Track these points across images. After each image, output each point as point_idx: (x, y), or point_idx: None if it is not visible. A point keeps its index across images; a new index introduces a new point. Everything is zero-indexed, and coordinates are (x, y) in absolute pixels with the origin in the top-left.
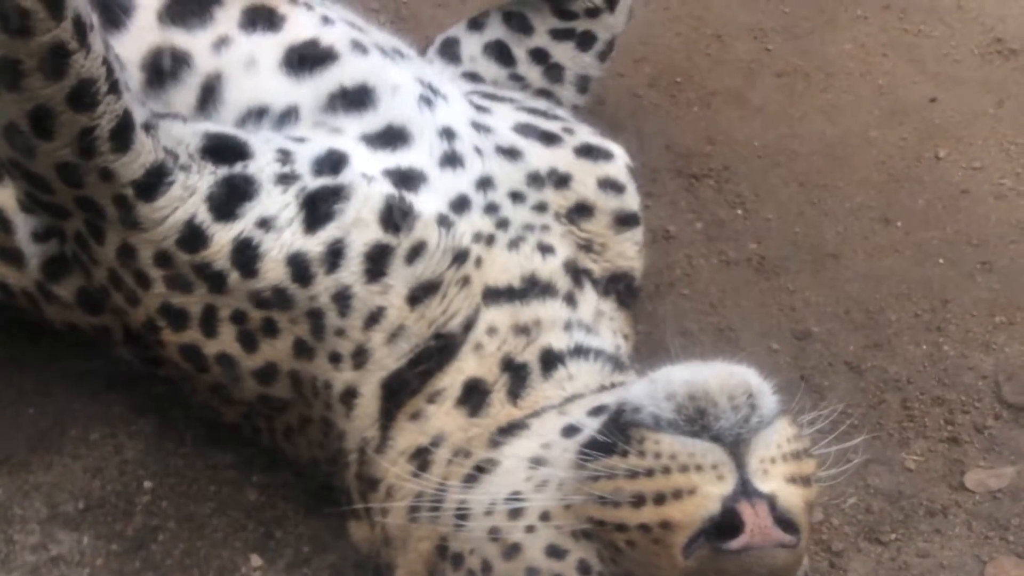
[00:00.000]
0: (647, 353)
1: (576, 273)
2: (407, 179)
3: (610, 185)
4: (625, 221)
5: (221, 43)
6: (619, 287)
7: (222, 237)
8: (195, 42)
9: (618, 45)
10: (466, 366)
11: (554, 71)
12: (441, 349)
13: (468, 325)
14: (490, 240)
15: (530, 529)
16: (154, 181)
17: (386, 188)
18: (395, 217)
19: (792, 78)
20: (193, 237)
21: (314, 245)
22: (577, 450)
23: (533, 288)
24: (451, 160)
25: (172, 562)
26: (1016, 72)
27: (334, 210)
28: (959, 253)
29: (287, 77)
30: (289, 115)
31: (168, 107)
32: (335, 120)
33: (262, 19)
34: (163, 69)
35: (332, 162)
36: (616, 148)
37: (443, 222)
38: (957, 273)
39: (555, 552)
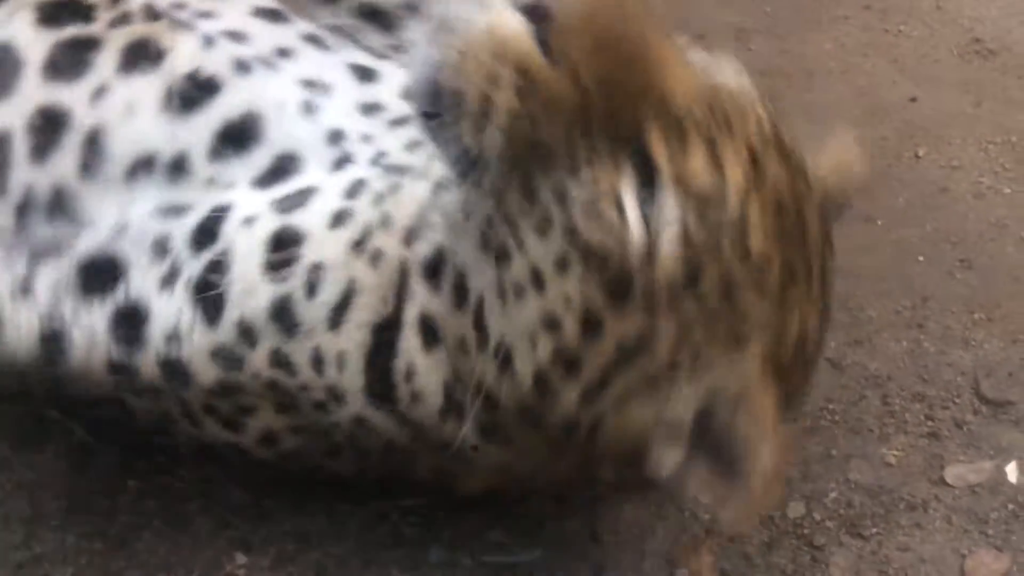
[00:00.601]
0: None
1: None
2: (298, 199)
3: None
4: None
5: (99, 92)
6: None
7: (145, 363)
8: (74, 95)
9: None
10: (409, 316)
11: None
12: (382, 342)
13: (399, 294)
14: (395, 188)
15: (537, 282)
16: (52, 348)
17: (270, 223)
18: (280, 255)
19: (774, 78)
20: (120, 371)
21: (225, 335)
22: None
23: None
24: (342, 161)
25: (157, 560)
26: (994, 72)
27: (222, 292)
28: (938, 251)
29: (169, 120)
30: (179, 166)
31: (54, 175)
32: (226, 170)
33: (142, 56)
34: (44, 131)
35: (210, 226)
36: None
37: (339, 219)
38: (937, 270)
39: (562, 265)
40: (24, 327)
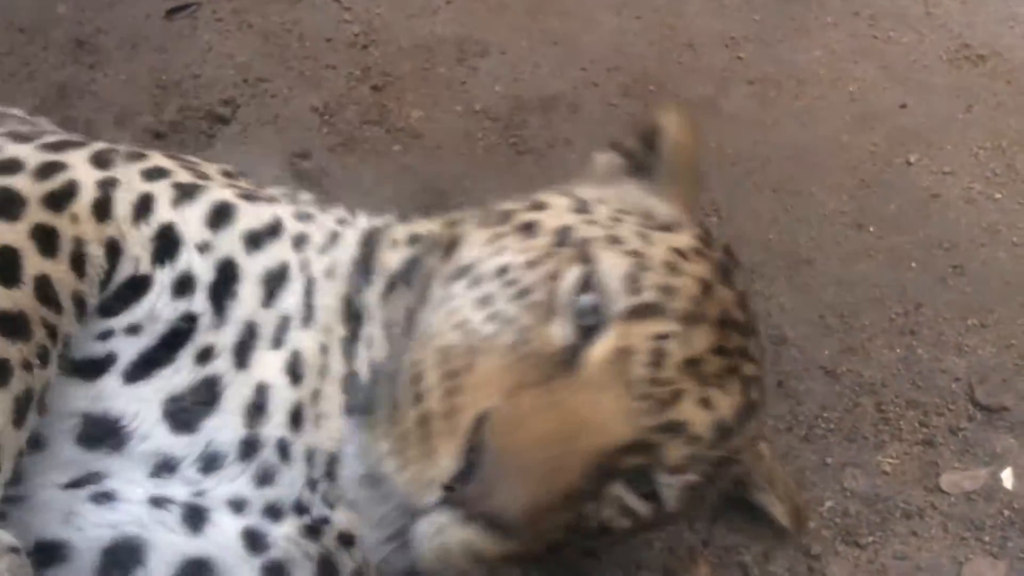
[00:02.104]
0: None
1: None
2: None
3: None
4: None
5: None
6: None
7: None
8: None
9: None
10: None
11: None
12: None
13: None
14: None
15: None
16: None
17: None
18: None
19: (764, 86)
20: None
21: None
22: None
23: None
24: (194, 520)
25: None
26: (984, 77)
27: None
28: (931, 257)
29: None
30: None
31: None
32: None
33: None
34: None
35: None
36: None
37: None
38: (929, 277)
39: None
40: None
